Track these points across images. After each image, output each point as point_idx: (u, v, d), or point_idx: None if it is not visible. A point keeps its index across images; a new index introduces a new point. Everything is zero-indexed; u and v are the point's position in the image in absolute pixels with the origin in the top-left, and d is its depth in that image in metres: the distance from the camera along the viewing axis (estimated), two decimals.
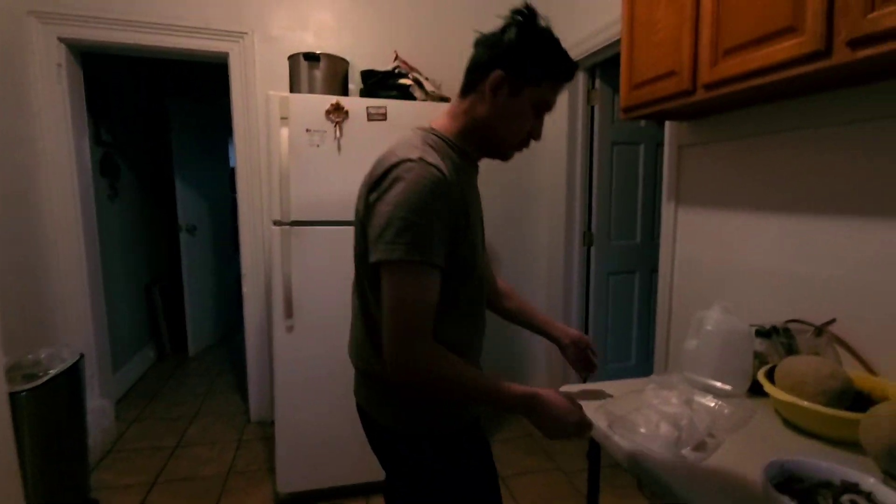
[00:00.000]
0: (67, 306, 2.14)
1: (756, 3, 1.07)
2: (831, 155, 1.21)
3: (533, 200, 2.81)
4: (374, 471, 1.89)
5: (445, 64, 2.53)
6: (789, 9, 0.99)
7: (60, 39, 2.05)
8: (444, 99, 1.88)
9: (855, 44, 0.88)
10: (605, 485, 2.03)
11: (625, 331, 2.80)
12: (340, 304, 1.77)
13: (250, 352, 2.48)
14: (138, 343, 3.19)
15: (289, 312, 1.74)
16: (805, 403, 0.93)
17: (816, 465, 0.73)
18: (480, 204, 0.98)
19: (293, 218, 1.70)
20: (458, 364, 0.79)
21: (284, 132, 1.65)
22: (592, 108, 2.57)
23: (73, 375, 1.72)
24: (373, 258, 0.77)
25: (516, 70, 0.84)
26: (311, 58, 1.75)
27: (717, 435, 0.88)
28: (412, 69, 1.95)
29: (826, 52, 0.93)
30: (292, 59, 1.79)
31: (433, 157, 0.80)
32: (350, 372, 1.82)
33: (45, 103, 2.05)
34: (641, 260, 2.76)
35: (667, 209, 1.83)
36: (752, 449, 0.91)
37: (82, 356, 1.78)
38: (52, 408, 1.60)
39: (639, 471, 0.91)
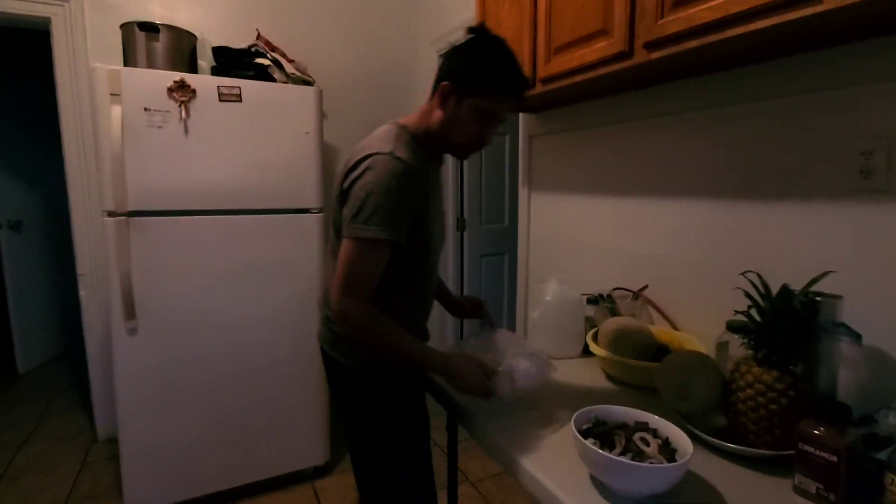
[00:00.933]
0: None
1: (578, 6, 1.19)
2: (647, 144, 1.40)
3: None
4: (239, 474, 1.81)
5: (315, 46, 2.45)
6: (601, 14, 1.12)
7: None
8: (308, 82, 1.81)
9: (650, 46, 1.02)
10: (476, 451, 2.16)
11: (496, 309, 2.98)
12: (193, 299, 1.65)
13: (93, 362, 2.19)
14: None
15: (130, 314, 1.56)
16: (616, 357, 1.08)
17: (615, 410, 0.85)
18: (442, 195, 1.11)
19: (130, 208, 1.52)
20: (388, 325, 0.94)
21: (116, 110, 1.46)
22: None
23: None
24: (346, 234, 0.91)
25: (461, 82, 0.96)
26: (149, 28, 1.57)
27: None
28: (274, 49, 1.85)
29: (629, 52, 1.07)
30: (125, 27, 1.59)
31: (401, 152, 0.93)
32: (206, 370, 1.72)
33: None
34: (510, 242, 2.95)
35: (522, 193, 1.98)
36: (579, 401, 1.03)
37: None
38: None
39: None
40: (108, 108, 1.46)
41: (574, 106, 1.64)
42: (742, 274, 0.91)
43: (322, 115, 1.79)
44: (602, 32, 1.13)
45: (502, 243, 2.93)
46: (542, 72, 1.34)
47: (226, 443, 1.76)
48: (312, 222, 1.81)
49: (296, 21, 2.39)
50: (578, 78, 1.22)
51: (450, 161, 2.70)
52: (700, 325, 1.26)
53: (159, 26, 1.59)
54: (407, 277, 1.03)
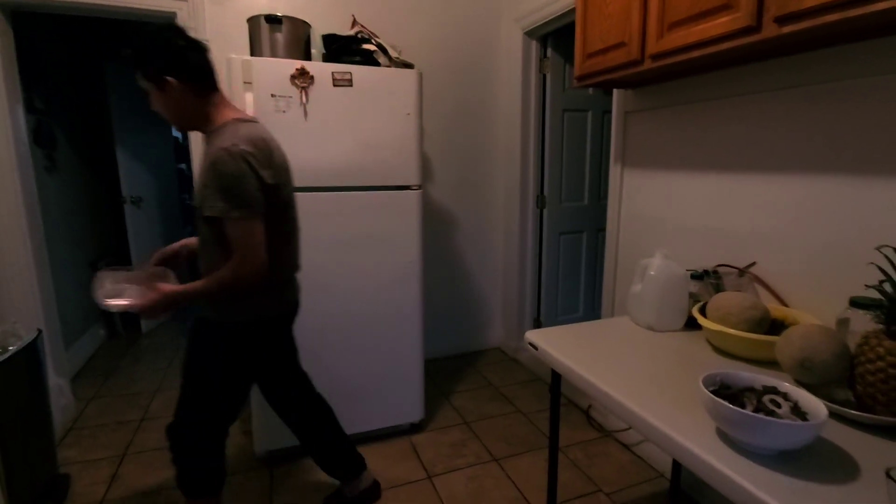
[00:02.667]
0: (12, 284, 2.03)
1: None
2: (756, 119, 1.39)
3: (490, 165, 2.92)
4: (349, 425, 2.01)
5: (404, 29, 2.53)
6: None
7: None
8: (409, 65, 1.90)
9: (782, 20, 1.02)
10: (559, 420, 2.26)
11: (573, 286, 3.02)
12: (313, 268, 1.83)
13: None
14: (87, 321, 3.05)
15: None
16: (731, 330, 1.12)
17: (742, 375, 0.90)
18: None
19: None
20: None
21: (249, 97, 1.63)
22: (544, 76, 2.68)
23: (33, 352, 1.67)
24: (206, 213, 1.15)
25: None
26: (273, 20, 1.71)
27: None
28: (373, 34, 1.95)
29: (757, 27, 1.07)
30: (252, 20, 1.74)
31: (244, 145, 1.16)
32: (324, 332, 1.90)
33: None
34: (589, 220, 2.97)
35: (614, 171, 1.99)
36: (692, 371, 1.09)
37: (40, 332, 1.72)
38: (13, 385, 1.56)
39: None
40: (241, 95, 1.63)
41: (677, 81, 1.63)
42: (877, 249, 0.92)
43: (422, 97, 1.88)
44: (725, 7, 1.13)
45: (581, 221, 2.95)
46: (652, 48, 1.34)
47: (339, 396, 1.96)
48: (413, 198, 1.93)
49: (385, 4, 2.48)
50: (696, 53, 1.22)
51: (531, 138, 2.73)
52: (813, 302, 1.26)
53: (281, 17, 1.73)
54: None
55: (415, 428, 2.19)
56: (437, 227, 2.85)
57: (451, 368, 2.87)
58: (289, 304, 1.40)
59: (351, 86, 1.75)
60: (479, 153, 2.87)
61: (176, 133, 4.00)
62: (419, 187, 1.94)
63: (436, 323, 2.95)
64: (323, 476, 1.87)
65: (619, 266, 2.04)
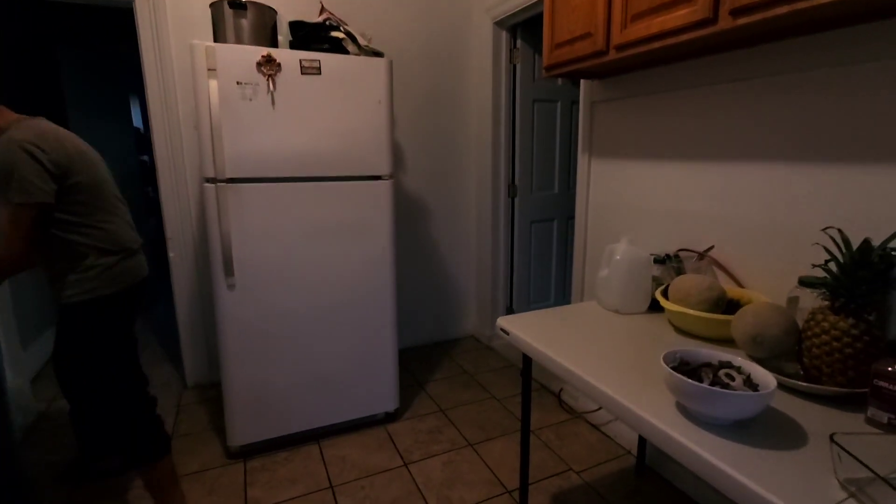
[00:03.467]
0: None
1: None
2: (713, 110, 1.44)
3: (462, 154, 2.93)
4: (323, 416, 2.01)
5: (373, 16, 2.51)
6: None
7: None
8: (378, 53, 1.89)
9: (736, 13, 1.07)
10: (532, 403, 2.32)
11: (544, 274, 3.08)
12: (281, 259, 1.81)
13: (182, 317, 2.42)
14: (47, 321, 2.93)
15: (229, 271, 1.73)
16: (690, 311, 1.18)
17: (700, 351, 0.95)
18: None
19: (228, 175, 1.67)
20: None
21: (213, 84, 1.59)
22: (514, 66, 2.70)
23: None
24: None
25: None
26: (237, 5, 1.67)
27: None
28: (342, 21, 1.92)
29: (713, 19, 1.12)
30: (215, 6, 1.69)
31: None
32: (295, 322, 1.90)
33: None
34: (559, 208, 3.03)
35: (581, 159, 2.03)
36: (655, 351, 1.14)
37: None
38: None
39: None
40: (205, 82, 1.58)
41: (640, 72, 1.68)
42: (823, 230, 0.98)
43: (392, 86, 1.88)
44: (685, 0, 1.17)
45: (552, 210, 3.00)
46: (616, 38, 1.38)
47: (312, 388, 1.96)
48: (384, 188, 1.93)
49: None
50: (656, 45, 1.26)
51: (502, 128, 2.76)
52: (766, 282, 1.33)
53: (246, 3, 1.69)
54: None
55: (390, 417, 2.21)
56: (410, 217, 2.85)
57: (426, 357, 2.89)
58: (125, 281, 1.45)
59: (319, 74, 1.72)
60: (451, 142, 2.88)
61: (138, 123, 3.84)
62: (391, 177, 1.94)
63: (410, 312, 2.97)
64: (299, 469, 1.87)
65: (587, 252, 2.10)
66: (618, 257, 1.41)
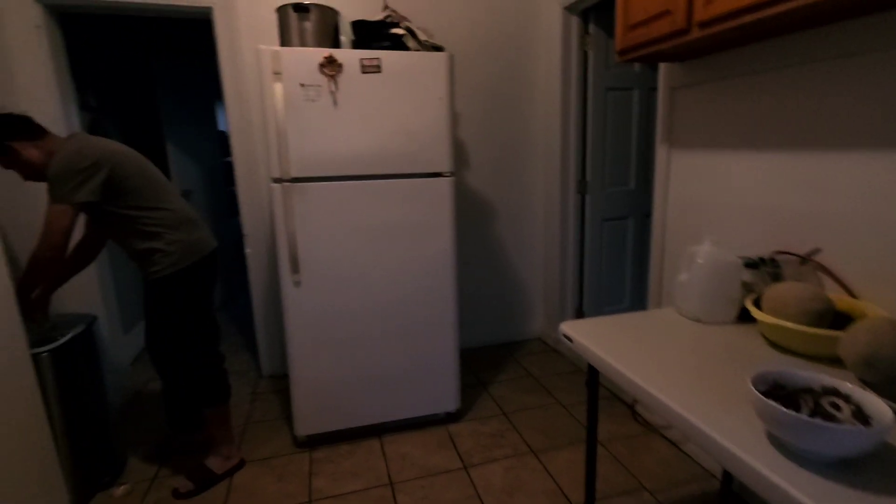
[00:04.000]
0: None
1: None
2: (819, 91, 1.24)
3: (528, 149, 2.82)
4: (384, 412, 2.03)
5: (438, 12, 2.48)
6: None
7: (35, 0, 1.98)
8: (438, 48, 1.85)
9: None
10: (601, 414, 2.18)
11: (618, 275, 2.89)
12: (344, 257, 1.83)
13: (257, 310, 2.55)
14: None
15: (295, 268, 1.79)
16: (788, 324, 1.01)
17: (798, 373, 0.81)
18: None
19: (293, 175, 1.72)
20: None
21: (279, 88, 1.64)
22: (586, 53, 2.55)
23: (89, 337, 1.77)
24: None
25: None
26: (301, 9, 1.71)
27: None
28: (403, 18, 1.91)
29: None
30: (281, 10, 1.75)
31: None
32: (357, 319, 1.92)
33: (26, 68, 2.00)
34: (635, 205, 2.82)
35: (660, 151, 1.86)
36: (743, 368, 1.00)
37: (96, 318, 1.83)
38: (72, 368, 1.67)
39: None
40: (271, 86, 1.63)
41: (727, 52, 1.49)
42: None
43: (453, 81, 1.83)
44: None
45: (627, 207, 2.81)
46: (700, 14, 1.23)
47: (374, 384, 1.98)
48: (445, 185, 1.89)
49: None
50: (748, 18, 1.10)
51: (571, 120, 2.62)
52: (884, 293, 1.12)
53: (309, 6, 1.72)
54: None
55: (451, 417, 2.18)
56: (474, 214, 2.80)
57: (489, 358, 2.83)
58: (199, 252, 1.68)
59: (380, 72, 1.72)
60: (516, 137, 2.78)
61: (222, 127, 4.13)
62: (451, 174, 1.89)
63: (474, 312, 2.92)
64: (360, 462, 1.90)
65: (665, 253, 1.92)
66: (700, 261, 1.26)
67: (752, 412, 0.83)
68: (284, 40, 1.77)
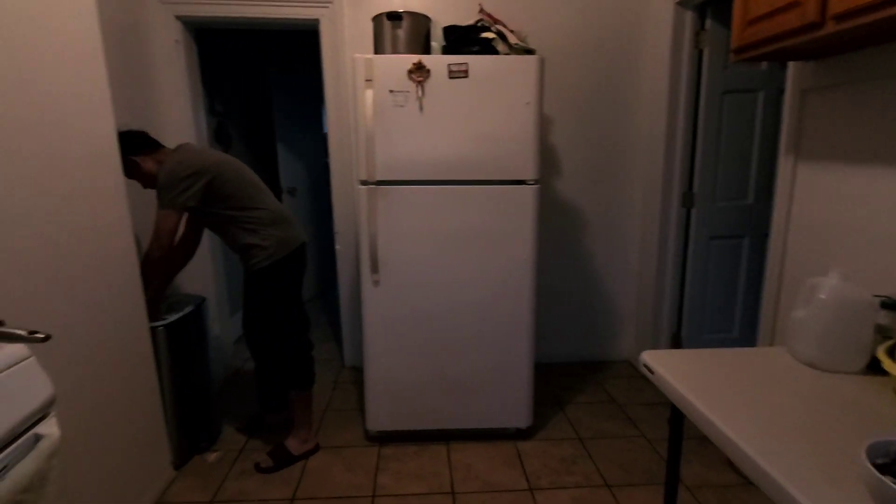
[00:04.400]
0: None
1: None
2: None
3: (626, 157, 2.63)
4: (453, 419, 2.01)
5: (534, 13, 2.40)
6: None
7: (177, 17, 2.27)
8: (529, 51, 1.79)
9: None
10: (693, 455, 1.94)
11: (727, 301, 2.58)
12: (423, 260, 1.85)
13: (343, 303, 2.69)
14: None
15: (374, 268, 1.84)
16: None
17: None
18: None
19: (378, 178, 1.77)
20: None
21: (369, 94, 1.70)
22: (700, 52, 2.30)
23: (198, 316, 1.99)
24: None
25: None
26: (394, 17, 1.75)
27: None
28: (497, 21, 1.87)
29: None
30: (376, 19, 1.81)
31: None
32: (431, 324, 1.93)
33: (166, 78, 2.31)
34: (753, 223, 2.49)
35: (784, 163, 1.61)
36: (863, 430, 0.81)
37: (205, 299, 2.06)
38: (182, 342, 1.88)
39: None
40: (363, 93, 1.70)
41: (871, 49, 1.24)
42: None
43: (543, 85, 1.75)
44: None
45: (742, 224, 2.49)
46: (836, 5, 1.02)
47: (444, 390, 1.97)
48: (528, 194, 1.82)
49: None
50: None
51: (679, 126, 2.38)
52: None
53: (402, 14, 1.76)
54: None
55: (522, 434, 2.09)
56: (561, 224, 2.67)
57: (569, 377, 2.68)
58: (291, 245, 1.82)
59: (467, 77, 1.70)
60: (614, 144, 2.60)
61: (326, 129, 4.43)
62: (536, 182, 1.82)
63: (556, 326, 2.79)
64: (425, 466, 1.90)
65: (784, 283, 1.66)
66: (823, 295, 1.06)
67: (866, 490, 0.66)
68: (378, 48, 1.84)
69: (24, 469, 0.77)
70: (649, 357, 1.13)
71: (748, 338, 2.57)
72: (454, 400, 1.99)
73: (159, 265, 1.72)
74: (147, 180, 1.73)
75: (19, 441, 0.83)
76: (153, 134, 1.84)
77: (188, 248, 2.02)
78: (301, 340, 1.92)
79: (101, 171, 1.46)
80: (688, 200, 2.47)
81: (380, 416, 2.01)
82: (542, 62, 1.72)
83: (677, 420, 1.19)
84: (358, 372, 2.73)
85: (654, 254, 2.57)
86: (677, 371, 1.05)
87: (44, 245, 1.23)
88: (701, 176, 2.41)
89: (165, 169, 1.65)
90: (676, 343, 2.61)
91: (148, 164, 1.70)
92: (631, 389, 2.53)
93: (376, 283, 1.87)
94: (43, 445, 0.83)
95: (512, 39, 1.78)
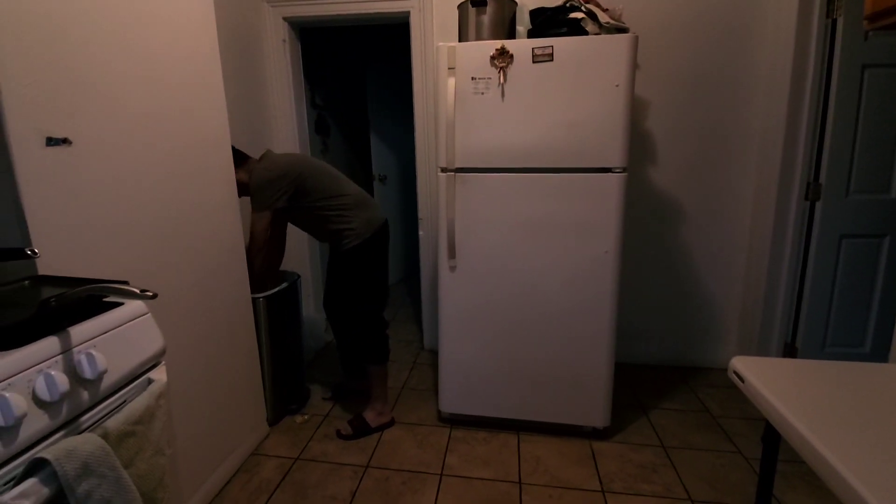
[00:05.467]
0: (292, 241, 2.69)
1: None
2: None
3: (735, 143, 2.36)
4: (526, 410, 1.99)
5: None
6: None
7: (284, 18, 2.48)
8: (622, 30, 1.67)
9: None
10: (800, 481, 1.72)
11: (859, 310, 2.22)
12: (500, 248, 1.84)
13: (424, 287, 2.77)
14: None
15: (452, 254, 1.87)
16: None
17: None
18: None
19: (458, 165, 1.79)
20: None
21: (451, 82, 1.71)
22: (834, 21, 1.98)
23: (293, 291, 2.19)
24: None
25: None
26: (478, 3, 1.74)
27: None
28: (588, 1, 1.78)
29: None
30: (461, 7, 1.82)
31: None
32: (505, 313, 1.91)
33: (274, 74, 2.53)
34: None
35: None
36: None
37: (299, 276, 2.25)
38: (279, 314, 2.08)
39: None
40: (445, 80, 1.72)
41: None
42: None
43: (635, 66, 1.63)
44: None
45: (882, 221, 2.12)
46: None
47: (517, 380, 1.96)
48: (614, 182, 1.72)
49: None
50: None
51: (805, 107, 2.08)
52: None
53: (487, 0, 1.75)
54: None
55: (598, 434, 2.01)
56: (655, 216, 2.48)
57: (657, 380, 2.51)
58: (374, 225, 1.95)
59: (552, 60, 1.64)
60: (720, 128, 2.34)
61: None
62: (623, 170, 1.71)
63: (645, 325, 2.61)
64: (493, 453, 1.91)
65: None
66: None
67: None
68: (462, 35, 1.84)
69: (138, 405, 0.91)
70: (740, 363, 1.02)
71: (883, 356, 2.20)
72: (527, 391, 1.97)
73: (255, 260, 1.93)
74: (240, 189, 1.85)
75: (136, 382, 0.99)
76: (261, 128, 2.05)
77: (279, 245, 2.23)
78: (375, 317, 2.03)
79: (214, 156, 1.66)
80: (813, 192, 2.15)
81: (452, 399, 2.05)
82: (634, 41, 1.61)
83: (772, 438, 1.06)
84: (435, 354, 2.80)
85: (765, 252, 2.29)
86: (774, 383, 0.93)
87: (168, 219, 1.44)
88: (830, 164, 2.09)
89: (255, 176, 1.83)
90: (790, 354, 2.31)
91: (239, 174, 1.85)
92: (729, 400, 2.30)
93: (453, 268, 1.90)
94: (153, 388, 0.98)
95: (603, 18, 1.68)
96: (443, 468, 1.83)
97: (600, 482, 1.75)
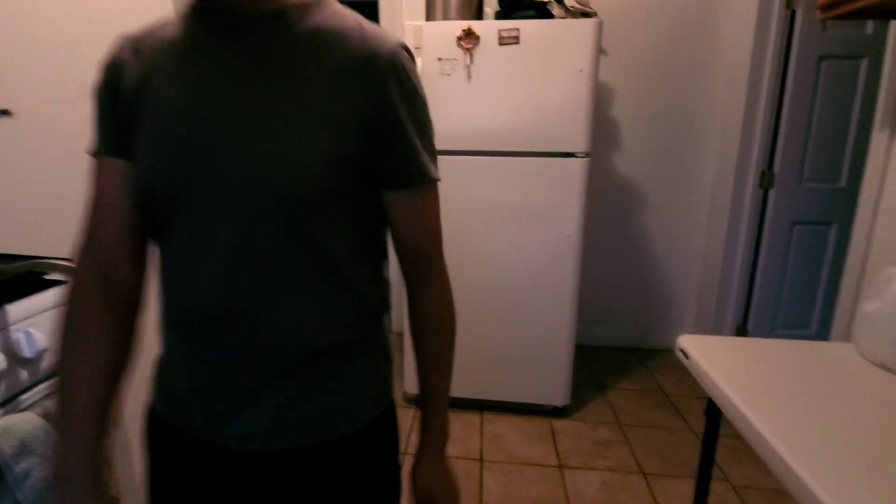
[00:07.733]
0: None
1: None
2: None
3: (697, 132, 2.42)
4: (489, 390, 2.03)
5: None
6: None
7: None
8: (588, 14, 1.68)
9: None
10: (746, 456, 1.82)
11: (807, 294, 2.34)
12: (463, 228, 1.85)
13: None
14: None
15: None
16: None
17: None
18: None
19: None
20: None
21: (418, 62, 1.69)
22: (793, 13, 2.04)
23: None
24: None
25: None
26: None
27: None
28: None
29: None
30: None
31: None
32: (470, 296, 1.92)
33: None
34: (845, 209, 2.21)
35: (877, 139, 1.41)
36: None
37: None
38: None
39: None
40: None
41: None
42: None
43: (599, 52, 1.65)
44: None
45: (831, 209, 2.22)
46: None
47: (482, 361, 2.00)
48: (576, 167, 1.74)
49: None
50: None
51: (761, 97, 2.14)
52: None
53: None
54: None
55: (558, 412, 2.07)
56: (618, 201, 2.54)
57: (615, 361, 2.59)
58: None
59: (518, 43, 1.64)
60: (683, 116, 2.40)
61: None
62: (586, 155, 1.73)
63: (605, 308, 2.68)
64: (456, 432, 1.95)
65: (865, 274, 1.47)
66: None
67: None
68: (429, 15, 1.82)
69: None
70: (686, 342, 1.06)
71: (827, 336, 2.32)
72: (490, 372, 2.00)
73: None
74: None
75: None
76: None
77: None
78: None
79: None
80: (766, 181, 2.24)
81: (414, 379, 2.06)
82: (598, 25, 1.62)
83: (714, 412, 1.12)
84: (400, 336, 2.81)
85: (721, 238, 2.38)
86: (718, 360, 0.97)
87: None
88: (784, 154, 2.17)
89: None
90: (741, 335, 2.42)
91: None
92: (683, 381, 2.39)
93: None
94: None
95: (570, 2, 1.68)
96: (406, 447, 1.86)
97: (558, 458, 1.81)
